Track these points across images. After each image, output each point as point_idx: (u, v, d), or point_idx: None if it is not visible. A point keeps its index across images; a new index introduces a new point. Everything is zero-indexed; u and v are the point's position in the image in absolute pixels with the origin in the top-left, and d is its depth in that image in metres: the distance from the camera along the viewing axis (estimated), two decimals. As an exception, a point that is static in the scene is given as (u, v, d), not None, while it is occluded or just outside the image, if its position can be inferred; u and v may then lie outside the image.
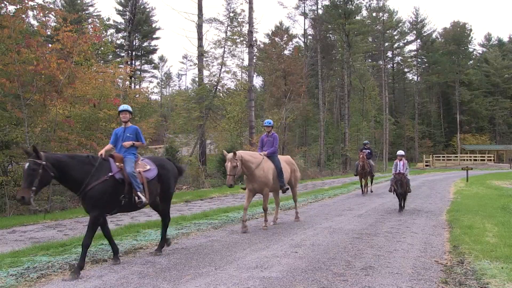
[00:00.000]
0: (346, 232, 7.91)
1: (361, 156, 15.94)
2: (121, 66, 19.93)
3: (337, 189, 18.75)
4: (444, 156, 55.79)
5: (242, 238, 7.47)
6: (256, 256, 6.02)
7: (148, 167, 5.99)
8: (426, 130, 66.04)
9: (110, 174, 5.46)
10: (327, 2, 45.97)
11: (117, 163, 5.65)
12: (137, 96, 18.67)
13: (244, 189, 8.65)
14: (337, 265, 5.51)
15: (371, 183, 17.13)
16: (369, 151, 16.94)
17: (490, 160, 54.33)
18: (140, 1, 52.86)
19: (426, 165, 50.58)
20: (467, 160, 53.05)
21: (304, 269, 5.30)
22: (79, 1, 55.09)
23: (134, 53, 57.06)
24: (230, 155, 7.77)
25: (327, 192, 17.18)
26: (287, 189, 9.02)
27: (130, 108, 6.26)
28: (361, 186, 16.30)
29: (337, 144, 46.37)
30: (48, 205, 12.19)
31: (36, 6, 12.79)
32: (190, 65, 64.50)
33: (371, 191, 16.71)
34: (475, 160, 53.26)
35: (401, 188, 10.72)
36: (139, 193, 5.63)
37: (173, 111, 38.34)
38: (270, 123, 9.20)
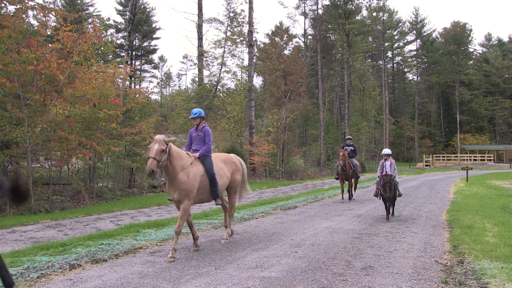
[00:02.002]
0: (346, 232, 7.91)
1: (341, 153, 13.47)
2: (121, 66, 19.89)
3: (337, 189, 18.66)
4: (444, 156, 55.91)
5: (242, 238, 7.46)
6: (256, 256, 6.02)
7: None
8: (426, 130, 66.18)
9: None
10: (327, 2, 46.21)
11: None
12: (137, 96, 18.62)
13: (171, 200, 6.34)
14: (337, 265, 5.51)
15: (355, 187, 14.43)
16: (353, 148, 14.50)
17: (490, 160, 54.43)
18: (140, 1, 52.90)
19: (426, 165, 50.68)
20: (467, 160, 53.14)
21: (304, 269, 5.30)
22: (79, 1, 55.16)
23: (134, 53, 57.05)
24: (161, 136, 5.81)
25: (327, 192, 17.20)
26: (220, 204, 6.95)
27: None
28: (342, 190, 13.90)
29: (337, 144, 46.40)
30: (48, 205, 12.19)
31: (36, 6, 12.78)
32: (190, 65, 64.92)
33: (353, 198, 14.09)
34: (475, 160, 53.37)
35: (389, 192, 9.38)
36: None
37: (173, 111, 38.41)
38: (197, 113, 6.76)
